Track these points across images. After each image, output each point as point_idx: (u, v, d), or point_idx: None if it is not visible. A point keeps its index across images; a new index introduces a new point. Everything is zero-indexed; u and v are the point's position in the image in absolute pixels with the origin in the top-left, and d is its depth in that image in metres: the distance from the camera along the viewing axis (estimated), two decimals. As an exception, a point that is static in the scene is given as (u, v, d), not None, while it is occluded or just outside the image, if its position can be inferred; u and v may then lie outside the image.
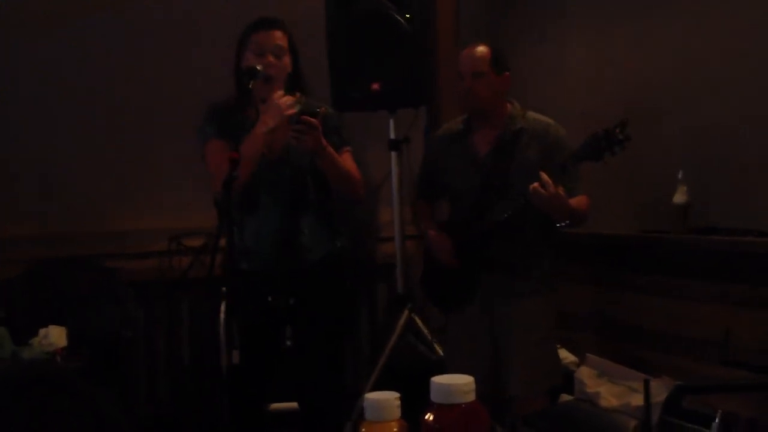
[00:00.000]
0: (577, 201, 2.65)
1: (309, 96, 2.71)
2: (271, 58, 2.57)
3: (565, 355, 3.11)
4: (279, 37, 2.62)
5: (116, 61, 3.79)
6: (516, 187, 2.61)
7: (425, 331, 3.25)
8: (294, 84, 2.66)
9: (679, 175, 2.82)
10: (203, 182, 2.61)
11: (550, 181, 2.44)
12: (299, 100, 2.61)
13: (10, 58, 3.64)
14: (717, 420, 1.58)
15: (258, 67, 2.55)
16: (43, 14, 3.67)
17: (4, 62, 3.63)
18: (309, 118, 2.45)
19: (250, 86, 2.53)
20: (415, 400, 1.06)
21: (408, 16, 3.38)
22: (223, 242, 2.44)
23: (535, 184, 2.44)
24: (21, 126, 3.68)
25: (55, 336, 3.16)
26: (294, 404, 2.31)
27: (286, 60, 2.62)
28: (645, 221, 3.06)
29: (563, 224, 2.62)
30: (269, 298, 2.60)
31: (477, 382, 0.99)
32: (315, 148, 2.50)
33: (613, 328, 3.20)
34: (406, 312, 3.30)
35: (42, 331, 3.15)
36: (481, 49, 2.73)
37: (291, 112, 2.49)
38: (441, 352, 3.14)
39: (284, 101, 2.51)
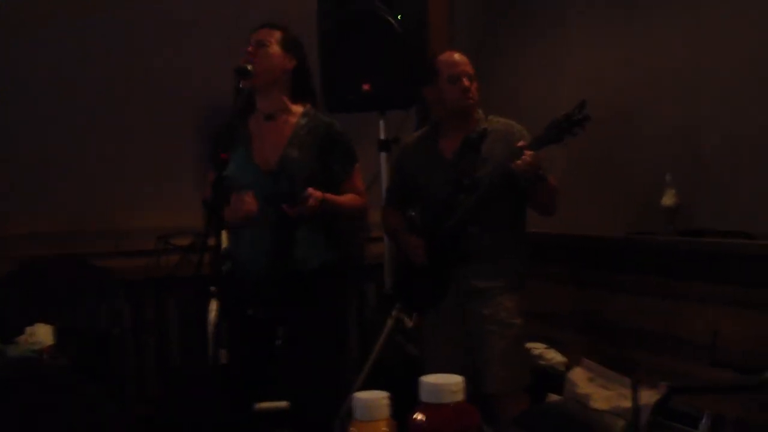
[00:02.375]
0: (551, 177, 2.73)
1: (315, 104, 2.73)
2: (250, 48, 2.58)
3: (553, 356, 3.12)
4: (266, 32, 2.63)
5: (111, 63, 3.79)
6: (481, 182, 2.70)
7: (410, 327, 3.25)
8: (299, 87, 2.67)
9: (667, 178, 2.83)
10: (192, 182, 2.64)
11: (530, 152, 2.55)
12: (308, 112, 2.63)
13: (6, 58, 3.63)
14: (705, 420, 1.59)
15: (248, 67, 2.55)
16: (42, 13, 3.67)
17: (2, 61, 3.61)
18: (289, 209, 2.50)
19: (240, 86, 2.53)
20: (404, 399, 1.06)
21: (400, 17, 3.39)
22: (211, 242, 2.44)
23: (523, 157, 2.55)
24: (12, 125, 3.67)
25: (42, 334, 3.14)
26: (283, 403, 2.30)
27: (271, 51, 2.61)
28: (632, 223, 3.08)
29: (535, 179, 2.63)
30: (249, 311, 2.61)
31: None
32: (314, 213, 2.53)
33: (601, 329, 3.22)
34: (394, 311, 3.29)
35: (28, 329, 3.14)
36: (460, 53, 2.86)
37: (251, 209, 2.55)
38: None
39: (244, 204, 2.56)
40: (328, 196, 2.59)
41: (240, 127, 2.67)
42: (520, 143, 2.62)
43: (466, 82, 2.79)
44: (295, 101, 2.70)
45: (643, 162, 3.04)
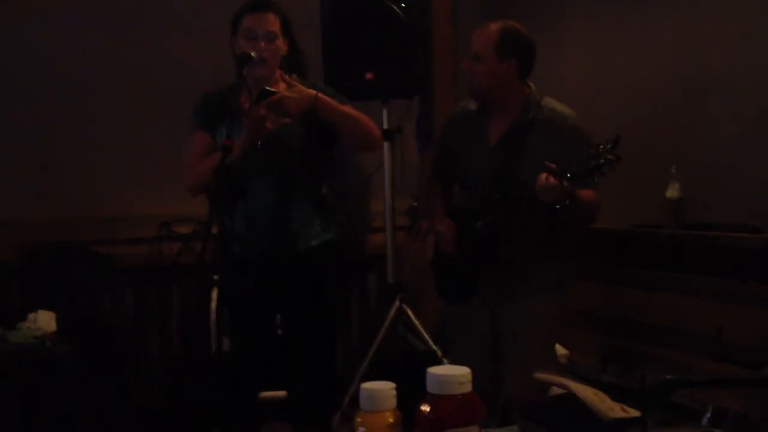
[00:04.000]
0: (584, 192, 2.49)
1: (305, 77, 2.67)
2: (263, 44, 2.54)
3: (557, 348, 3.11)
4: (271, 20, 2.57)
5: (108, 49, 3.75)
6: (524, 182, 2.47)
7: (416, 321, 3.25)
8: (291, 66, 2.63)
9: (672, 170, 2.82)
10: None
11: (553, 169, 2.32)
12: (291, 84, 2.57)
13: (5, 48, 3.61)
14: (707, 414, 1.59)
15: (252, 54, 2.53)
16: (38, 3, 3.64)
17: (1, 51, 3.60)
18: (269, 94, 2.41)
19: (243, 72, 2.51)
20: (405, 390, 1.05)
21: (403, 5, 3.36)
22: (214, 229, 2.43)
23: (542, 176, 2.33)
24: (15, 113, 3.65)
25: (44, 321, 3.14)
26: (283, 393, 2.31)
27: (279, 43, 2.59)
28: (636, 216, 3.06)
29: (564, 206, 2.42)
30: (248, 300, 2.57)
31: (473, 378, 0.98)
32: (299, 109, 2.46)
33: (605, 322, 3.21)
34: (396, 302, 3.30)
35: (31, 316, 3.14)
36: (489, 30, 2.57)
37: (267, 124, 2.45)
38: (431, 343, 3.13)
39: (258, 113, 2.45)
40: (320, 95, 2.49)
41: (231, 104, 2.62)
42: (548, 164, 2.34)
43: (465, 63, 2.59)
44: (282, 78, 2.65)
45: (647, 154, 3.02)
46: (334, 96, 2.61)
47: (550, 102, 2.61)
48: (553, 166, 2.32)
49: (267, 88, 2.45)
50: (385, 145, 3.51)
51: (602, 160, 2.25)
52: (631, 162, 3.13)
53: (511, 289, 2.66)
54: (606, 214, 2.92)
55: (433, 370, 1.00)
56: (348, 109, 2.58)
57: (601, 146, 2.27)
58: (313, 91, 2.50)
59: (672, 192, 2.81)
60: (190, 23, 3.80)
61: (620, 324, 3.11)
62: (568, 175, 2.32)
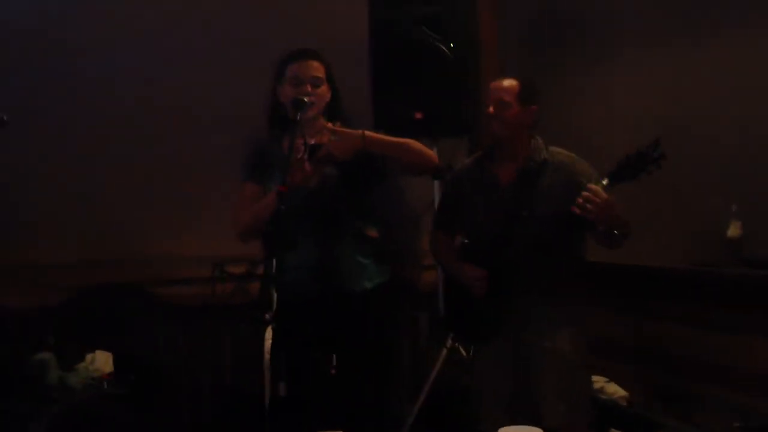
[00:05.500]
0: None
1: (349, 125, 2.71)
2: (309, 88, 2.59)
3: (614, 390, 3.05)
4: (316, 67, 2.63)
5: (158, 89, 3.85)
6: (541, 217, 2.61)
7: (468, 359, 3.21)
8: (333, 113, 2.68)
9: (733, 208, 2.76)
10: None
11: (598, 188, 2.42)
12: (335, 131, 2.61)
13: (51, 90, 3.72)
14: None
15: (305, 99, 2.57)
16: (84, 43, 3.75)
17: (47, 94, 3.71)
18: (315, 149, 2.46)
19: (298, 118, 2.55)
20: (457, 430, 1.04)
21: (452, 44, 3.39)
22: (265, 270, 2.46)
23: (584, 194, 2.42)
24: (66, 155, 3.75)
25: (102, 361, 3.20)
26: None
27: (324, 89, 2.64)
28: (694, 253, 3.00)
29: (620, 235, 2.54)
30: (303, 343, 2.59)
31: (505, 413, 0.98)
32: (348, 154, 2.49)
33: (663, 362, 3.13)
34: (449, 341, 3.27)
35: (88, 357, 3.20)
36: (510, 80, 2.78)
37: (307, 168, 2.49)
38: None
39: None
40: (367, 132, 2.52)
41: (279, 152, 2.67)
42: (590, 186, 2.45)
43: (490, 109, 2.74)
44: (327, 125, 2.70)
45: (704, 191, 2.97)
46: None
47: (557, 148, 2.78)
48: (596, 188, 2.43)
49: (312, 142, 2.48)
50: (436, 183, 3.53)
51: (647, 161, 2.35)
52: (688, 199, 3.10)
53: (535, 321, 2.69)
54: (662, 252, 2.89)
55: (505, 430, 0.99)
56: (397, 138, 2.61)
57: (644, 148, 2.37)
58: (359, 131, 2.53)
59: (733, 231, 2.75)
60: (244, 66, 3.87)
61: (679, 364, 3.04)
62: (612, 179, 2.42)
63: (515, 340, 2.74)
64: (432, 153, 2.71)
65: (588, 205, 2.42)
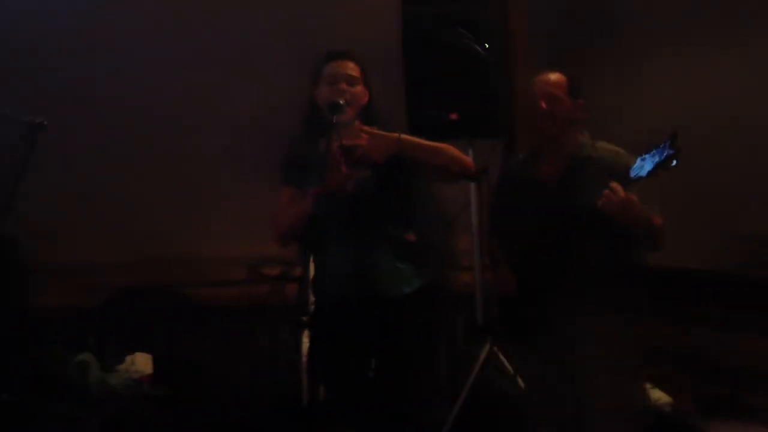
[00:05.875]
0: (655, 217, 2.58)
1: (384, 128, 2.71)
2: (344, 86, 2.59)
3: (659, 395, 3.01)
4: (351, 67, 2.64)
5: (196, 89, 3.89)
6: (584, 209, 2.57)
7: (507, 364, 3.19)
8: (368, 116, 2.67)
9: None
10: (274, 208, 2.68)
11: (619, 187, 2.42)
12: (374, 130, 2.61)
13: (89, 95, 3.77)
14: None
15: (341, 102, 2.57)
16: (115, 46, 3.80)
17: (85, 99, 3.76)
18: (350, 151, 2.45)
19: (334, 121, 2.56)
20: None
21: (486, 45, 3.37)
22: (303, 272, 2.47)
23: (605, 192, 2.43)
24: (105, 157, 3.80)
25: (141, 363, 3.24)
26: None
27: (359, 89, 2.63)
28: (744, 256, 2.94)
29: (643, 235, 2.52)
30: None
31: (556, 419, 0.96)
32: (384, 156, 2.49)
33: (709, 368, 3.08)
34: (487, 344, 3.25)
35: (129, 358, 3.24)
36: (557, 74, 2.74)
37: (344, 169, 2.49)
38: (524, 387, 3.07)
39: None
40: (403, 136, 2.53)
41: (315, 154, 2.68)
42: (611, 184, 2.46)
43: (542, 105, 2.69)
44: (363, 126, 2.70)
45: (752, 193, 2.92)
46: None
47: (604, 143, 2.73)
48: (616, 185, 2.43)
49: (347, 144, 2.48)
50: (472, 185, 3.51)
51: (664, 156, 2.34)
52: (736, 201, 3.04)
53: (581, 323, 2.62)
54: (710, 255, 2.84)
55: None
56: (433, 143, 2.60)
57: (660, 144, 2.36)
58: (394, 134, 2.52)
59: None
60: (274, 65, 3.90)
61: (726, 370, 2.98)
62: (631, 176, 2.42)
63: (565, 346, 2.68)
64: (468, 158, 2.69)
65: (608, 202, 2.41)
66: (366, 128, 2.57)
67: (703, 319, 3.13)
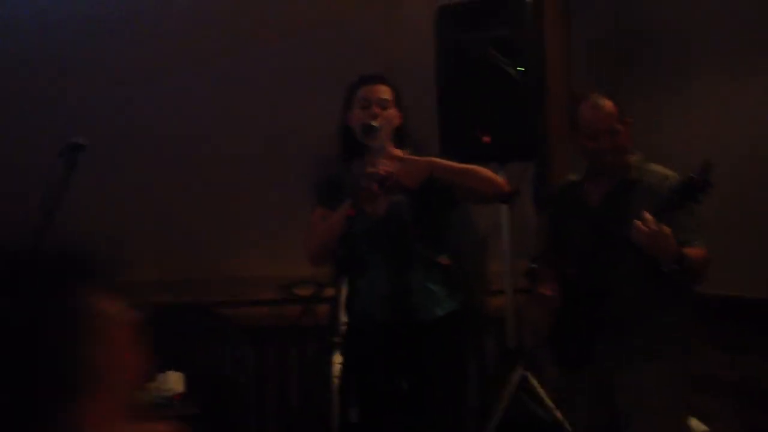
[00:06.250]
0: (692, 250, 2.47)
1: (417, 151, 2.73)
2: (377, 110, 2.62)
3: (696, 424, 2.94)
4: (384, 90, 2.68)
5: (230, 112, 3.94)
6: (626, 237, 2.46)
7: (540, 389, 3.15)
8: (401, 139, 2.69)
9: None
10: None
11: (651, 218, 2.35)
12: (406, 155, 2.63)
13: (119, 112, 3.84)
14: None
15: (374, 124, 2.59)
16: (158, 66, 3.86)
17: (116, 116, 3.83)
18: (384, 179, 2.46)
19: (368, 143, 2.58)
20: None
21: (520, 68, 3.37)
22: (336, 293, 2.48)
23: (637, 222, 2.36)
24: (137, 174, 3.86)
25: (173, 381, 3.25)
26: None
27: (392, 112, 2.66)
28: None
29: (673, 270, 2.42)
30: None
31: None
32: (417, 182, 2.50)
33: (760, 400, 2.97)
34: (519, 369, 3.22)
35: (160, 376, 3.25)
36: (604, 101, 2.64)
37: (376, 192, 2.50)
38: (557, 413, 3.03)
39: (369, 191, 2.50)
40: (435, 159, 2.54)
41: (348, 177, 2.69)
42: (644, 213, 2.37)
43: (605, 141, 2.59)
44: (397, 149, 2.71)
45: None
46: None
47: (655, 166, 2.66)
48: (648, 216, 2.36)
49: (381, 169, 2.49)
50: (504, 207, 3.50)
51: (696, 188, 2.29)
52: (759, 226, 2.97)
53: (627, 352, 2.56)
54: (759, 282, 2.76)
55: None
56: (465, 165, 2.61)
57: (692, 174, 2.31)
58: (426, 159, 2.54)
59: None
60: (307, 87, 3.93)
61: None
62: (663, 210, 2.36)
63: (607, 375, 2.61)
64: (501, 180, 2.69)
65: (636, 233, 2.36)
66: (398, 153, 2.59)
67: (753, 347, 3.04)
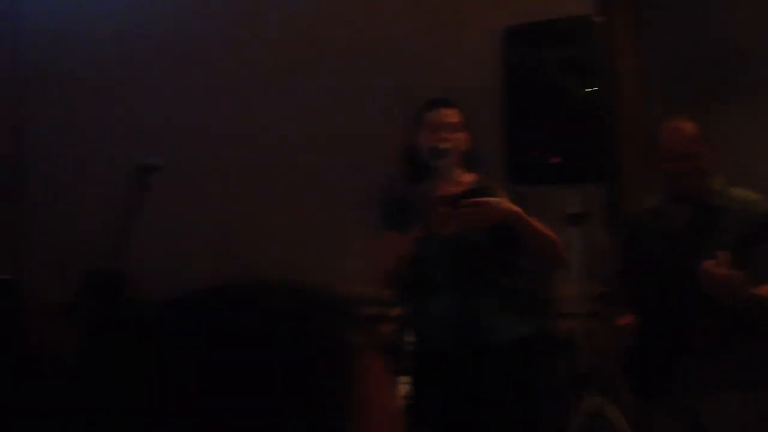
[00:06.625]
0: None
1: (484, 174, 2.72)
2: (446, 133, 2.63)
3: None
4: (452, 114, 2.69)
5: (300, 135, 3.99)
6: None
7: (614, 417, 3.06)
8: (469, 162, 2.69)
9: None
10: (371, 244, 2.72)
11: (724, 258, 2.25)
12: (479, 181, 2.63)
13: (205, 131, 3.93)
14: None
15: (444, 147, 2.61)
16: (232, 82, 3.96)
17: (202, 136, 3.92)
18: (474, 199, 2.45)
19: (436, 166, 2.60)
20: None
21: (592, 87, 3.32)
22: (395, 312, 2.47)
23: (710, 262, 2.26)
24: (219, 190, 3.95)
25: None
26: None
27: (460, 136, 2.67)
28: None
29: (741, 309, 2.35)
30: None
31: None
32: (493, 222, 2.49)
33: None
34: (591, 395, 3.13)
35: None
36: (687, 126, 2.62)
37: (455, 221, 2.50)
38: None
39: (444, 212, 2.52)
40: (524, 215, 2.53)
41: (414, 198, 2.70)
42: (719, 252, 2.31)
43: (685, 164, 2.56)
44: (464, 172, 2.72)
45: None
46: (520, 201, 2.62)
47: (738, 190, 2.60)
48: (724, 254, 2.25)
49: (450, 192, 2.48)
50: (574, 230, 3.43)
51: None
52: None
53: (710, 382, 2.48)
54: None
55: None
56: (544, 228, 2.59)
57: None
58: (518, 209, 2.52)
59: None
60: (369, 106, 3.97)
61: None
62: (748, 243, 2.32)
63: (690, 404, 2.55)
64: (565, 258, 2.64)
65: (705, 275, 2.26)
66: (469, 179, 2.60)
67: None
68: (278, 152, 4.00)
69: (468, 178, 2.69)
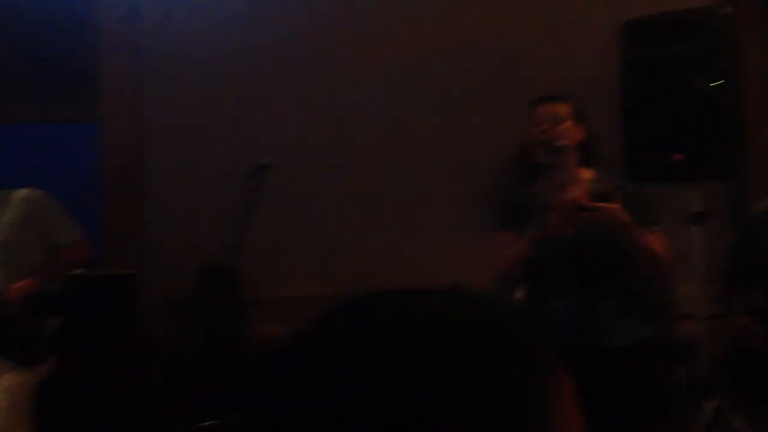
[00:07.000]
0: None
1: (602, 169, 2.66)
2: (556, 128, 2.58)
3: None
4: (560, 108, 2.63)
5: (405, 134, 4.00)
6: None
7: (736, 422, 2.94)
8: (586, 156, 2.63)
9: None
10: (479, 251, 2.69)
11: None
12: (600, 178, 2.57)
13: (309, 134, 3.99)
14: None
15: (558, 144, 2.56)
16: (337, 90, 4.00)
17: (305, 138, 3.99)
18: (594, 204, 2.39)
19: (552, 163, 2.56)
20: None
21: (716, 83, 3.20)
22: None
23: None
24: (322, 193, 4.00)
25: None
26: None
27: (569, 125, 2.60)
28: None
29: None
30: None
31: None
32: (610, 228, 2.43)
33: None
34: (714, 401, 3.02)
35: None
36: None
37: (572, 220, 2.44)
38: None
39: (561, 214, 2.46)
40: (631, 226, 2.46)
41: (528, 197, 2.66)
42: None
43: None
44: (581, 168, 2.65)
45: None
46: (643, 203, 2.57)
47: None
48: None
49: (575, 196, 2.45)
50: (697, 229, 3.33)
51: None
52: None
53: None
54: None
55: None
56: (648, 242, 2.50)
57: None
58: (626, 219, 2.45)
59: None
60: (480, 106, 3.94)
61: None
62: None
63: None
64: (668, 268, 2.57)
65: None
66: (587, 175, 2.54)
67: None
68: (386, 149, 4.02)
69: (586, 174, 2.62)
